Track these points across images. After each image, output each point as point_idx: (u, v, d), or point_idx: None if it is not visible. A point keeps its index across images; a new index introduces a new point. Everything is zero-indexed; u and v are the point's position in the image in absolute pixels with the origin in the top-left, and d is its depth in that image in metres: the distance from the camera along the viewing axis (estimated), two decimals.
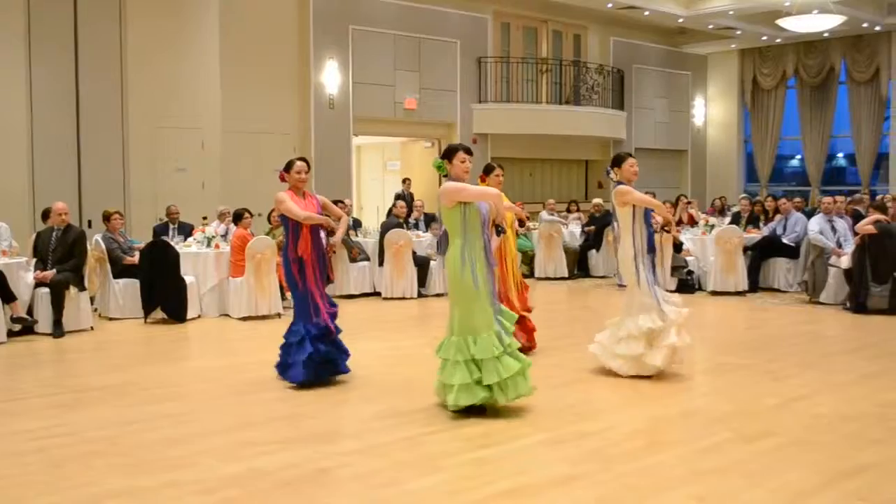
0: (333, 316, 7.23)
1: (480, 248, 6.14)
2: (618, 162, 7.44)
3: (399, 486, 4.75)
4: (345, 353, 7.34)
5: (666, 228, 7.49)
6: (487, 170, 8.05)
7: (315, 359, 7.02)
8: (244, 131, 15.79)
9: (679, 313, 7.26)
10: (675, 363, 7.36)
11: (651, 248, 7.39)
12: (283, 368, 7.25)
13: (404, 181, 18.11)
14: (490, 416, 5.98)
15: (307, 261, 7.06)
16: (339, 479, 4.88)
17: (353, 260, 13.05)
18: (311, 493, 4.66)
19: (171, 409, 6.49)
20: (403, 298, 12.77)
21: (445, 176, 6.35)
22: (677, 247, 13.34)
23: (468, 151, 6.34)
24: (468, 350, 6.01)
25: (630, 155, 7.54)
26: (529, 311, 8.43)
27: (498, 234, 6.69)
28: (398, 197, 16.64)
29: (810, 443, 5.55)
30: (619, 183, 7.35)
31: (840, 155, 24.49)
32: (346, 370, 7.32)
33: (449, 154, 6.32)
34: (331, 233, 7.33)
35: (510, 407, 6.17)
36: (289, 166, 7.26)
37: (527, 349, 7.87)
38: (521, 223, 7.27)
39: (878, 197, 14.02)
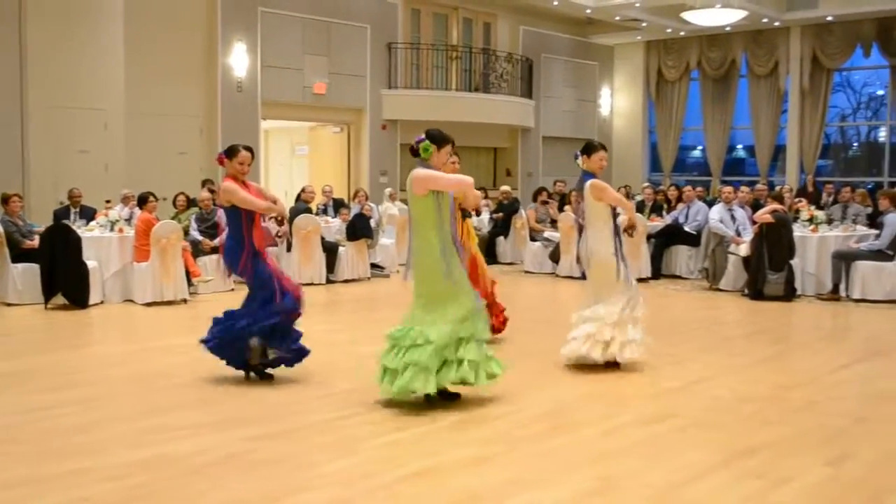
0: None
1: (451, 235, 6.05)
2: (588, 151, 7.30)
3: (312, 469, 4.76)
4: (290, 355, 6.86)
5: (628, 231, 7.48)
6: None
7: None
8: (149, 113, 15.45)
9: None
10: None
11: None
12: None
13: None
14: (401, 402, 5.98)
15: (262, 252, 6.72)
16: (250, 463, 4.85)
17: None
18: (221, 478, 4.63)
19: (74, 396, 6.35)
20: (311, 284, 12.69)
21: (417, 158, 6.05)
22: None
23: (454, 146, 6.20)
24: (449, 334, 5.87)
25: (602, 147, 7.40)
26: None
27: (464, 217, 6.63)
28: None
29: (709, 424, 5.73)
30: (588, 173, 7.24)
31: (740, 146, 25.16)
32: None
33: (439, 141, 6.06)
34: (281, 222, 7.08)
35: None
36: (231, 152, 6.69)
37: (496, 331, 7.84)
38: (478, 211, 7.26)
39: (777, 188, 14.48)
